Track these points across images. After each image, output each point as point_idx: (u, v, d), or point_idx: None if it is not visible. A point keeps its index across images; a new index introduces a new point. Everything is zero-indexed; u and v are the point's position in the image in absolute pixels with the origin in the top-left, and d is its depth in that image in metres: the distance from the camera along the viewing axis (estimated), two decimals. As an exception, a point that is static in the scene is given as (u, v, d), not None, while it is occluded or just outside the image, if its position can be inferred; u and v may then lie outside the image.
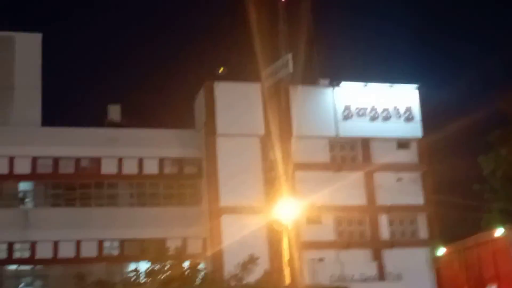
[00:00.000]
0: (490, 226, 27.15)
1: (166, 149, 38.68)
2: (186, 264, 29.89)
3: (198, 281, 28.88)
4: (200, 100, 39.17)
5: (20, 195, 37.27)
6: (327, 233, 36.59)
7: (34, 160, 36.75)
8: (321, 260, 34.41)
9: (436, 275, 34.73)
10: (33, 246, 35.46)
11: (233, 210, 35.31)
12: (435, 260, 32.68)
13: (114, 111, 40.64)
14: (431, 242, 37.46)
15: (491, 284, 21.23)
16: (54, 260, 35.49)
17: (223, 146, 37.10)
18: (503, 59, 45.50)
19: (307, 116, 37.58)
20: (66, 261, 35.39)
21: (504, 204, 33.88)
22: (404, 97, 40.28)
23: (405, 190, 38.32)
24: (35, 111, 38.32)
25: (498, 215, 32.67)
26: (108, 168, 37.87)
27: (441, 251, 27.03)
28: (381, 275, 37.04)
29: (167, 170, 38.92)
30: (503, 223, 29.11)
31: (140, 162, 38.32)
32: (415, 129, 39.93)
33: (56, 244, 35.63)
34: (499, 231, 22.14)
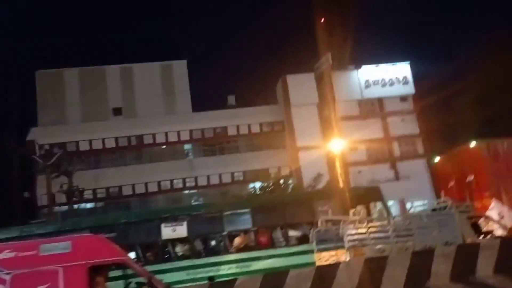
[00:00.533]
0: (466, 140, 25.93)
1: (263, 117, 38.94)
2: (281, 181, 30.32)
3: (289, 190, 29.32)
4: (280, 85, 38.98)
5: (185, 152, 38.59)
6: (362, 155, 36.07)
7: (191, 131, 37.88)
8: (359, 172, 34.06)
9: (432, 174, 33.86)
10: (196, 179, 36.82)
11: (305, 148, 35.30)
12: (433, 165, 31.62)
13: (231, 99, 41.09)
14: (426, 155, 36.55)
15: (470, 176, 20.49)
16: (208, 186, 36.70)
17: (295, 112, 36.96)
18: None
19: (343, 88, 36.86)
20: (215, 185, 36.39)
21: (472, 127, 32.64)
22: (402, 69, 38.70)
23: (407, 126, 37.36)
24: (188, 104, 39.33)
25: (469, 133, 31.63)
26: (231, 131, 38.57)
27: (437, 159, 26.10)
28: (397, 177, 36.50)
29: (265, 129, 39.19)
30: (473, 138, 28.10)
31: (249, 126, 38.78)
32: (410, 89, 38.39)
33: (208, 177, 36.83)
34: (472, 143, 21.35)
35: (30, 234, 11.57)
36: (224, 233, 12.40)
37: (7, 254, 6.66)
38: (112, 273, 7.91)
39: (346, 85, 37.61)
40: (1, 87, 29.82)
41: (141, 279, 7.26)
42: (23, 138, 34.19)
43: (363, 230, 10.34)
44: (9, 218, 27.49)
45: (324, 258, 10.27)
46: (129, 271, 7.55)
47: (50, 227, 13.56)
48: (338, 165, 24.24)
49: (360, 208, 11.32)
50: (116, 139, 36.69)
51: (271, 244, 12.26)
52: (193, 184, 36.62)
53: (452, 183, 21.56)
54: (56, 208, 28.62)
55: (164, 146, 37.76)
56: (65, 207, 29.14)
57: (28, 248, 6.80)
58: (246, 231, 12.49)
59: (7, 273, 6.51)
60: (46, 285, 6.49)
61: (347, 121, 34.86)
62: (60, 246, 6.79)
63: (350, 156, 32.66)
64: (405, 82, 38.52)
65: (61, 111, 37.08)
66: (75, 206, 30.43)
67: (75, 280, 6.55)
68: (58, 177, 27.02)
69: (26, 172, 32.30)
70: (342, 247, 10.23)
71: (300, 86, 37.21)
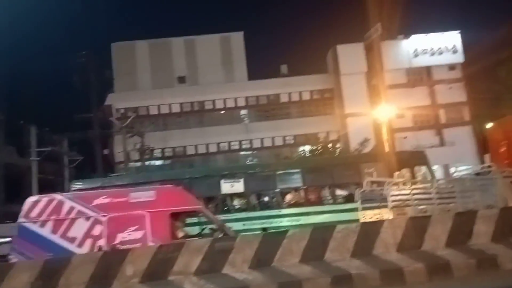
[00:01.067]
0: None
1: (313, 85, 38.27)
2: (329, 145, 29.98)
3: (337, 153, 28.95)
4: (330, 55, 37.90)
5: (242, 116, 38.82)
6: (408, 122, 34.78)
7: (247, 98, 38.02)
8: (405, 137, 32.91)
9: (479, 141, 32.08)
10: (251, 141, 37.21)
11: (353, 115, 34.47)
12: (481, 131, 29.59)
13: (284, 68, 40.51)
14: (472, 122, 34.67)
15: None
16: (262, 148, 36.98)
17: (344, 80, 35.92)
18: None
19: (392, 57, 35.22)
20: (268, 148, 36.57)
21: None
22: (451, 38, 36.32)
23: (454, 94, 35.27)
24: (244, 73, 39.27)
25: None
26: (284, 98, 38.28)
27: (487, 125, 24.04)
28: (442, 143, 34.97)
29: (315, 96, 38.53)
30: None
31: (300, 93, 38.28)
32: (459, 58, 36.05)
33: (262, 140, 37.09)
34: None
35: (110, 185, 12.37)
36: (277, 190, 12.61)
37: (103, 200, 7.23)
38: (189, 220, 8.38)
39: (395, 54, 35.89)
40: (83, 59, 31.28)
41: (213, 226, 7.65)
42: (102, 103, 35.91)
43: (407, 192, 10.13)
44: (92, 171, 29.39)
45: (368, 216, 10.22)
46: (203, 219, 7.96)
47: (126, 179, 14.40)
48: (384, 131, 23.50)
49: (405, 171, 11.05)
50: (181, 104, 37.67)
51: (319, 202, 12.33)
52: (248, 146, 37.05)
53: (503, 149, 20.35)
54: (131, 164, 30.19)
55: (222, 111, 38.21)
56: (138, 164, 30.65)
57: (119, 195, 7.34)
58: (296, 189, 12.63)
59: (104, 216, 7.09)
60: (135, 227, 7.02)
61: (395, 89, 33.41)
62: (146, 194, 7.28)
63: (396, 122, 31.48)
64: (454, 51, 36.20)
65: (134, 79, 38.37)
66: (146, 162, 31.86)
67: (158, 224, 7.04)
68: (132, 137, 28.35)
69: (105, 132, 34.10)
70: (386, 206, 10.11)
71: (349, 55, 35.97)
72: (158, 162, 36.42)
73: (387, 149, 21.73)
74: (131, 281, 5.98)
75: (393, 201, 9.91)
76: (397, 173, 11.15)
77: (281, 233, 6.81)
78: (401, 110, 31.51)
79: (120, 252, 6.42)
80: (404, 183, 10.38)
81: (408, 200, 9.98)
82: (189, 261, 6.20)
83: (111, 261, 6.07)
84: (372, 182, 10.90)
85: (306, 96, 38.24)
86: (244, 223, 11.84)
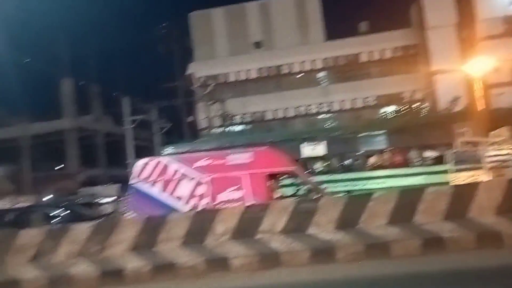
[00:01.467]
0: None
1: (395, 41, 35.79)
2: (415, 105, 28.35)
3: (423, 113, 27.31)
4: (414, 8, 34.96)
5: (319, 79, 37.85)
6: (505, 76, 31.15)
7: (324, 60, 36.93)
8: (501, 94, 29.78)
9: None
10: (330, 104, 36.43)
11: (441, 71, 31.74)
12: None
13: (363, 25, 38.35)
14: None
15: None
16: (341, 110, 36.01)
17: (431, 34, 33.01)
18: None
19: (487, 5, 31.51)
20: (348, 110, 35.52)
21: None
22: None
23: None
24: (321, 33, 37.98)
25: None
26: (363, 58, 36.54)
27: None
28: (546, 99, 31.14)
29: (397, 54, 36.17)
30: None
31: (381, 51, 36.21)
32: None
33: (341, 102, 36.14)
34: None
35: (197, 150, 13.01)
36: (360, 152, 12.33)
37: (204, 162, 7.72)
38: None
39: (489, 1, 32.05)
40: (165, 30, 32.73)
41: (309, 187, 7.81)
42: (184, 72, 37.40)
43: (506, 152, 9.30)
44: (178, 137, 31.22)
45: (461, 178, 9.62)
46: (299, 180, 8.14)
47: (211, 144, 15.07)
48: (477, 87, 21.51)
49: (503, 130, 10.11)
50: (258, 70, 37.77)
51: (406, 164, 11.86)
52: (327, 109, 36.32)
53: None
54: (213, 130, 31.42)
55: (300, 75, 37.61)
56: (220, 129, 31.81)
57: (219, 158, 7.80)
58: (381, 151, 12.23)
59: (206, 177, 7.58)
60: (235, 187, 7.45)
61: (489, 40, 30.10)
62: (244, 156, 7.66)
63: (492, 77, 28.61)
64: None
65: (212, 47, 39.12)
66: (228, 128, 32.87)
67: (256, 184, 7.39)
68: (213, 104, 29.38)
69: (189, 100, 35.69)
70: (481, 168, 9.42)
71: (437, 7, 32.76)
72: (238, 128, 37.35)
73: (481, 107, 20.00)
74: (222, 238, 6.37)
75: (490, 162, 9.18)
76: (494, 132, 10.25)
77: (367, 195, 6.71)
78: (497, 63, 28.48)
79: (211, 211, 6.85)
80: (503, 143, 9.52)
81: (507, 160, 9.18)
82: (275, 220, 6.41)
83: (203, 219, 6.50)
84: (466, 142, 10.17)
85: (387, 54, 36.06)
86: (327, 186, 11.83)
